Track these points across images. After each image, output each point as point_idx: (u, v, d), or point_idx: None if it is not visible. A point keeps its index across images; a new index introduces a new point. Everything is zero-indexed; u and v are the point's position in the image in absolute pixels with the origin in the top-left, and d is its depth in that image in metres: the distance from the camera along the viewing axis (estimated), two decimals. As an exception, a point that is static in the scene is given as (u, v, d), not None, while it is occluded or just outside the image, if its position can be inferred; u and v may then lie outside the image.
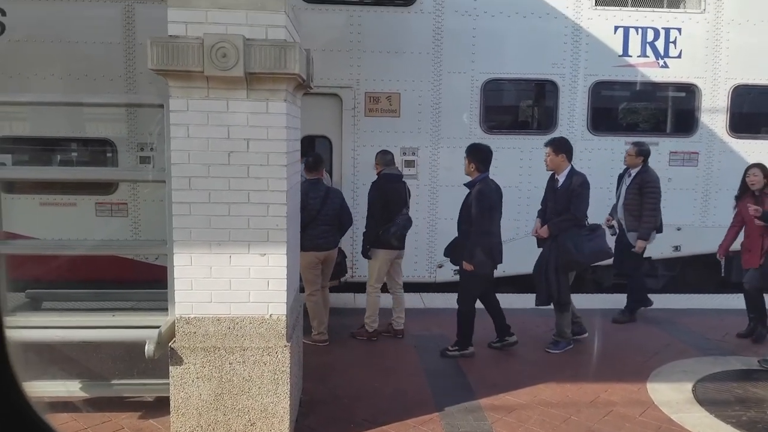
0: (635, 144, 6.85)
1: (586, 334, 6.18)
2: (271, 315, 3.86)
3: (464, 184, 5.71)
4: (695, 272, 8.40)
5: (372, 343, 6.10)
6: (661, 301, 7.39)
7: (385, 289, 6.29)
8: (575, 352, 5.90)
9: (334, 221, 5.97)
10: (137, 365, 4.15)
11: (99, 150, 7.62)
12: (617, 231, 6.81)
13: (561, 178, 5.83)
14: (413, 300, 7.28)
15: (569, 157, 5.85)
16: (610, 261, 6.65)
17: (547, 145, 5.94)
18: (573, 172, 5.81)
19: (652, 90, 8.33)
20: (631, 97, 8.64)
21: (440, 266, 6.55)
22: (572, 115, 7.95)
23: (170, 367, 3.79)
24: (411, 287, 7.49)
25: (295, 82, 3.92)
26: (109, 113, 7.48)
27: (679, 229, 8.00)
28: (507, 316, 5.95)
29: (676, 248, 8.19)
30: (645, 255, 6.99)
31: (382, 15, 7.73)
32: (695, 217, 8.16)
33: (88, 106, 7.22)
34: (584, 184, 5.74)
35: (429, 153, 7.92)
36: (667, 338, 6.35)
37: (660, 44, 7.84)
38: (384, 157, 6.23)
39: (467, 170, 5.65)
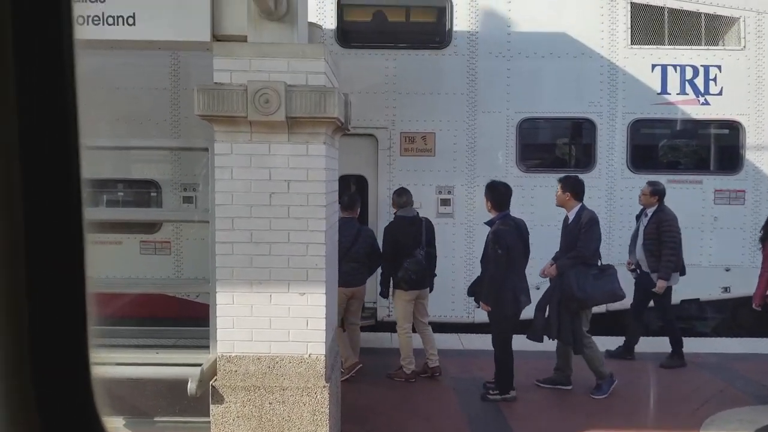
0: (650, 183, 6.82)
1: (570, 387, 5.95)
2: (309, 354, 3.93)
3: (485, 223, 5.76)
4: (748, 314, 8.15)
5: (410, 384, 6.09)
6: (712, 345, 7.17)
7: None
8: (623, 398, 5.75)
9: (363, 259, 6.09)
10: (179, 402, 4.25)
11: (144, 190, 7.95)
12: (638, 273, 6.71)
13: (570, 216, 5.85)
14: (451, 341, 7.25)
15: (576, 196, 5.84)
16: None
17: (558, 181, 6.01)
18: (582, 209, 5.80)
19: (694, 128, 8.28)
20: (671, 134, 8.60)
21: (478, 306, 6.54)
22: (611, 153, 7.95)
23: (211, 406, 3.88)
24: (449, 328, 7.47)
25: (334, 126, 4.09)
26: (155, 155, 7.82)
27: (728, 270, 7.82)
28: (546, 358, 5.87)
29: (726, 289, 7.97)
30: (692, 297, 6.84)
31: (417, 58, 7.96)
32: (745, 257, 7.95)
33: (139, 150, 7.58)
34: (592, 221, 5.71)
35: (465, 191, 8.00)
36: (720, 384, 6.14)
37: (700, 82, 7.84)
38: (399, 199, 6.28)
39: (487, 208, 5.69)
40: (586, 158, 8.21)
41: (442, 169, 8.01)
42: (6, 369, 0.59)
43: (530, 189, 7.78)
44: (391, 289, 6.13)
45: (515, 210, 7.49)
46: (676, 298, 7.44)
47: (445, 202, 8.00)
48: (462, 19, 7.83)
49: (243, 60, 3.82)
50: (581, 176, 6.49)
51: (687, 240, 6.97)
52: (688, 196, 7.75)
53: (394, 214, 6.30)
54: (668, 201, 6.87)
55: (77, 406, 0.67)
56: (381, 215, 7.96)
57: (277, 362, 3.92)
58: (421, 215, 6.36)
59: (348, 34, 7.97)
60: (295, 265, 3.96)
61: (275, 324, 3.93)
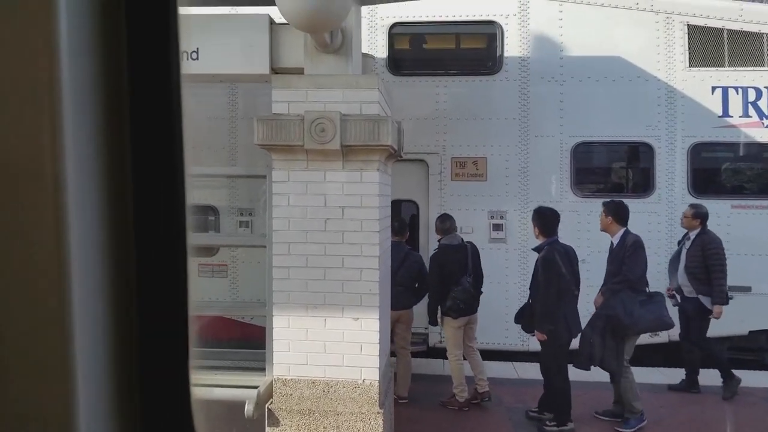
0: (692, 206, 6.63)
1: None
2: (363, 380, 4.00)
3: (533, 249, 5.74)
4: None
5: (464, 413, 6.04)
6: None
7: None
8: None
9: (410, 283, 6.16)
10: (235, 424, 4.37)
11: (202, 216, 8.27)
12: (679, 300, 6.48)
13: (615, 241, 5.75)
14: (506, 369, 7.17)
15: (619, 220, 5.73)
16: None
17: (602, 206, 5.96)
18: (626, 234, 5.69)
19: (759, 151, 8.02)
20: (734, 158, 8.34)
21: (531, 333, 6.46)
22: (671, 177, 7.78)
23: (267, 429, 3.98)
24: (503, 356, 7.38)
25: (387, 153, 4.20)
26: (214, 181, 8.14)
27: (799, 299, 7.46)
28: (602, 389, 5.73)
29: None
30: (762, 327, 6.56)
31: (468, 84, 8.05)
32: (818, 286, 7.58)
33: (201, 178, 7.92)
34: (636, 244, 5.57)
35: (517, 216, 7.96)
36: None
37: (763, 104, 7.61)
38: (442, 225, 6.28)
39: (534, 234, 5.69)
40: (645, 183, 8.06)
41: (494, 193, 8.01)
42: (116, 384, 0.67)
43: (586, 214, 7.68)
44: (439, 317, 6.15)
45: (570, 236, 7.42)
46: (743, 328, 7.14)
47: (498, 227, 7.98)
48: (513, 44, 7.90)
49: (300, 91, 4.00)
50: (640, 202, 6.39)
51: (754, 267, 6.72)
52: (754, 222, 7.48)
53: (438, 241, 6.32)
54: (733, 227, 6.67)
55: (178, 424, 0.74)
56: (432, 239, 7.99)
57: (331, 387, 4.00)
58: (466, 240, 6.36)
59: (399, 62, 8.15)
60: (349, 290, 4.06)
61: (330, 348, 4.02)
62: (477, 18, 7.97)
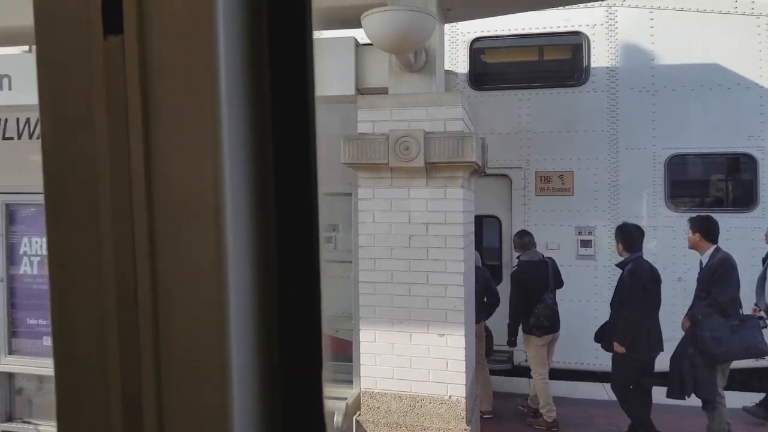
0: None
1: None
2: (450, 396, 4.04)
3: (616, 265, 5.61)
4: None
5: None
6: None
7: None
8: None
9: (477, 297, 6.13)
10: (323, 436, 4.52)
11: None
12: (767, 322, 6.01)
13: (704, 260, 5.40)
14: (596, 391, 6.97)
15: (707, 237, 5.37)
16: None
17: (688, 221, 5.66)
18: (716, 252, 5.32)
19: None
20: None
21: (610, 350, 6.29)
22: (776, 189, 7.33)
23: (353, 440, 4.10)
24: (594, 377, 7.18)
25: (471, 169, 4.26)
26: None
27: None
28: (680, 413, 5.46)
29: None
30: None
31: (553, 96, 7.97)
32: None
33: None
34: (725, 263, 5.18)
35: (607, 232, 7.74)
36: None
37: None
38: (521, 241, 6.24)
39: (618, 251, 5.56)
40: (747, 196, 7.63)
41: (582, 209, 7.84)
42: (261, 387, 0.78)
43: (681, 230, 7.36)
44: (520, 336, 6.09)
45: (665, 253, 7.15)
46: None
47: (586, 244, 7.79)
48: (600, 54, 7.76)
49: (385, 110, 4.14)
50: (742, 216, 6.07)
51: None
52: None
53: (518, 258, 6.27)
54: None
55: (313, 422, 0.83)
56: (515, 256, 7.93)
57: (418, 402, 4.07)
58: (546, 256, 6.28)
59: (480, 77, 8.19)
60: (434, 306, 4.13)
61: (415, 363, 4.10)
62: (561, 29, 7.89)
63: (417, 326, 4.14)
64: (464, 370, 4.05)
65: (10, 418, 5.14)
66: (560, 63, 8.53)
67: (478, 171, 4.54)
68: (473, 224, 4.95)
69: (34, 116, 7.79)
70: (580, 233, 7.83)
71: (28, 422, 5.15)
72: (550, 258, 6.29)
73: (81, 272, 0.71)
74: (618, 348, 5.33)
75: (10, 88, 5.23)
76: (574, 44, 8.04)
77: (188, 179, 0.66)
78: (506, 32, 8.00)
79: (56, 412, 0.75)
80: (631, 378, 5.36)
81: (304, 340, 0.81)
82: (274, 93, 0.74)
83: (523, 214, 7.99)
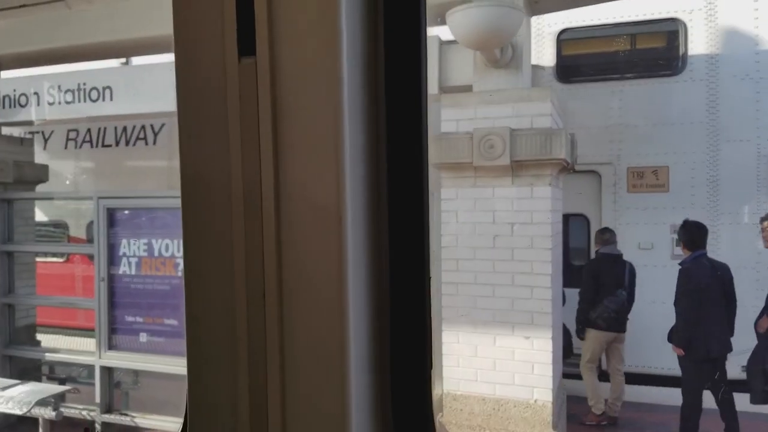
0: None
1: None
2: (536, 400, 4.01)
3: (678, 263, 5.51)
4: None
5: (602, 428, 5.85)
6: None
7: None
8: None
9: None
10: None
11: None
12: None
13: None
14: (675, 397, 6.68)
15: None
16: None
17: (763, 219, 5.33)
18: None
19: None
20: None
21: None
22: None
23: (438, 443, 4.14)
24: (676, 382, 6.88)
25: (560, 166, 4.20)
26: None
27: None
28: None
29: None
30: None
31: (646, 87, 7.67)
32: None
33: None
34: None
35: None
36: None
37: None
38: (601, 236, 6.23)
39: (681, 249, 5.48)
40: None
41: (678, 206, 7.51)
42: (376, 383, 0.84)
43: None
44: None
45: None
46: None
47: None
48: (698, 41, 7.40)
49: (469, 109, 4.16)
50: None
51: None
52: None
53: (596, 251, 6.20)
54: None
55: (422, 420, 0.89)
56: (594, 250, 7.72)
57: (501, 405, 4.06)
58: (625, 258, 6.21)
59: (568, 70, 8.01)
60: (519, 308, 4.11)
61: (499, 366, 4.10)
62: (655, 17, 7.60)
63: (501, 328, 4.13)
64: (551, 374, 4.00)
65: (109, 410, 5.54)
66: (654, 52, 8.20)
67: (567, 168, 4.47)
68: (561, 224, 4.88)
69: (131, 125, 8.34)
70: (676, 232, 7.51)
71: (126, 414, 5.54)
72: (630, 262, 6.24)
73: (214, 272, 0.80)
74: (676, 350, 5.25)
75: (111, 99, 5.63)
76: (669, 31, 7.70)
77: (313, 186, 0.73)
78: (596, 22, 7.79)
79: (188, 402, 0.85)
80: (697, 382, 5.20)
81: (413, 339, 0.87)
82: (389, 95, 0.80)
83: (613, 212, 7.75)
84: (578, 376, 6.50)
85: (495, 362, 4.14)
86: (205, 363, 0.82)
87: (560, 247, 4.95)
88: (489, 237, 4.18)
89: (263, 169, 0.74)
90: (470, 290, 4.21)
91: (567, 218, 7.92)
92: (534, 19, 7.57)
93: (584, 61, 8.29)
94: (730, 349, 5.24)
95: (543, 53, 7.91)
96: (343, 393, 0.76)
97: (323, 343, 0.76)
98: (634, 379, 6.50)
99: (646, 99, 7.68)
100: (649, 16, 7.62)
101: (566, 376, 6.35)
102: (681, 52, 7.50)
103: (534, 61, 7.51)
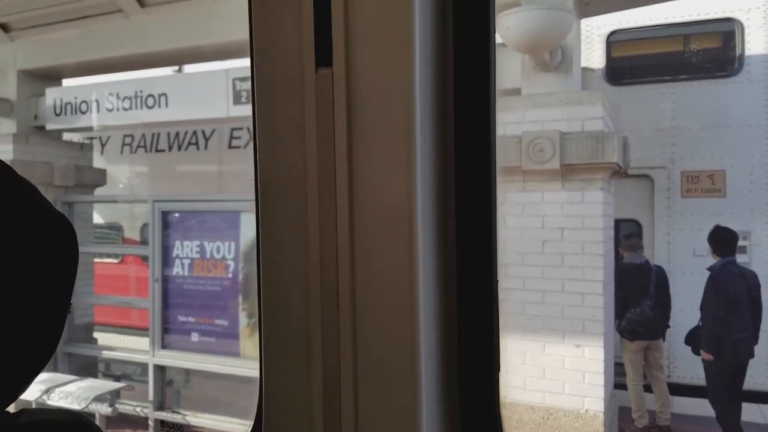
0: None
1: None
2: (587, 410, 3.96)
3: (706, 269, 5.39)
4: None
5: None
6: None
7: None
8: None
9: None
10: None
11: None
12: None
13: None
14: (751, 412, 6.45)
15: None
16: None
17: None
18: None
19: None
20: None
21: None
22: None
23: (485, 449, 4.12)
24: (750, 396, 6.66)
25: (612, 170, 4.14)
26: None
27: None
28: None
29: None
30: None
31: (700, 88, 7.47)
32: None
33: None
34: None
35: (765, 237, 7.14)
36: None
37: None
38: (627, 242, 6.12)
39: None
40: None
41: (735, 211, 7.28)
42: (444, 382, 0.86)
43: None
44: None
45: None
46: None
47: (740, 250, 7.23)
48: (756, 41, 7.18)
49: (517, 112, 4.15)
50: None
51: None
52: None
53: (621, 259, 6.07)
54: None
55: (489, 419, 0.91)
56: (660, 264, 7.53)
57: (551, 414, 4.02)
58: (654, 264, 6.08)
59: (618, 71, 7.87)
60: (569, 315, 4.06)
61: (549, 374, 4.06)
62: (710, 17, 7.40)
63: (551, 336, 4.09)
64: (603, 383, 3.95)
65: (161, 407, 5.71)
66: (709, 53, 7.99)
67: (619, 172, 4.41)
68: (612, 229, 4.80)
69: (183, 130, 8.60)
70: (732, 239, 7.28)
71: (177, 412, 5.70)
72: (658, 266, 6.12)
73: (289, 271, 0.84)
74: (704, 355, 5.16)
75: (166, 106, 5.83)
76: (725, 32, 7.49)
77: (385, 189, 0.77)
78: (647, 23, 7.64)
79: (262, 395, 0.89)
80: (727, 388, 5.08)
81: (481, 337, 0.89)
82: (457, 97, 0.83)
83: (666, 217, 7.57)
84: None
85: (544, 370, 4.10)
86: (279, 358, 0.87)
87: (612, 252, 4.88)
88: (538, 242, 4.15)
89: (338, 173, 0.78)
90: (519, 296, 4.19)
91: (618, 223, 7.78)
92: (583, 21, 7.48)
93: (635, 62, 8.13)
94: (752, 355, 5.17)
95: (592, 55, 7.80)
96: (414, 389, 0.79)
97: (394, 340, 0.79)
98: (687, 391, 6.33)
99: (700, 101, 7.48)
100: (703, 16, 7.43)
101: (618, 386, 6.25)
102: (738, 52, 7.29)
103: (583, 64, 7.42)
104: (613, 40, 7.84)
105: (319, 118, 0.79)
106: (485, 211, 0.85)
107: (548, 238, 4.13)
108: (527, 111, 4.15)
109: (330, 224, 0.80)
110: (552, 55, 4.07)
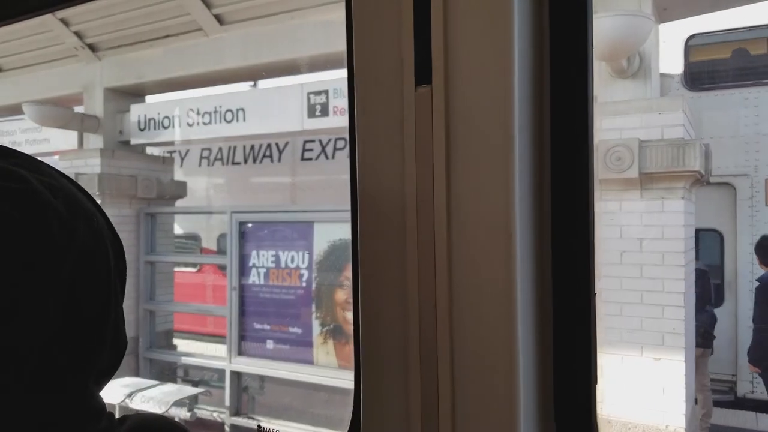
0: None
1: None
2: (666, 426, 3.81)
3: (756, 279, 5.26)
4: None
5: None
6: None
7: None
8: None
9: None
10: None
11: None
12: None
13: None
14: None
15: None
16: None
17: None
18: None
19: None
20: None
21: None
22: None
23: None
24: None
25: (693, 179, 4.00)
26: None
27: None
28: None
29: None
30: None
31: (788, 92, 7.10)
32: None
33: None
34: None
35: None
36: None
37: None
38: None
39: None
40: None
41: (825, 220, 6.87)
42: (540, 383, 0.87)
43: None
44: None
45: None
46: None
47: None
48: None
49: (594, 120, 4.05)
50: None
51: None
52: None
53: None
54: None
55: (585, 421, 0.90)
56: (742, 275, 7.17)
57: (629, 429, 3.90)
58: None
59: (698, 77, 7.59)
60: (648, 327, 3.93)
61: (627, 388, 3.94)
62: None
63: (629, 349, 3.97)
64: (684, 398, 3.79)
65: (237, 413, 5.88)
66: (797, 54, 7.59)
67: (701, 180, 4.24)
68: (693, 239, 4.62)
69: (257, 143, 8.88)
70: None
71: (252, 418, 5.85)
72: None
73: (387, 280, 0.87)
74: (752, 368, 5.10)
75: (244, 120, 6.05)
76: (817, 30, 7.11)
77: (483, 202, 0.79)
78: (729, 26, 7.33)
79: (360, 400, 0.92)
80: None
81: (578, 352, 0.89)
82: (553, 109, 0.84)
83: (750, 227, 7.21)
84: (718, 404, 6.09)
85: (622, 383, 3.98)
86: (377, 371, 0.89)
87: (693, 264, 4.69)
88: (615, 253, 4.04)
89: (436, 187, 0.80)
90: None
91: (697, 234, 7.45)
92: (661, 26, 7.26)
93: (715, 67, 7.81)
94: None
95: (670, 61, 7.55)
96: (512, 401, 0.80)
97: (492, 352, 0.80)
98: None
99: (788, 105, 7.12)
100: (790, 17, 7.07)
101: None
102: (828, 53, 6.89)
103: (661, 70, 7.19)
104: (691, 44, 7.57)
105: (418, 135, 0.81)
106: (582, 222, 0.85)
107: (626, 249, 4.02)
108: (604, 119, 4.07)
109: (428, 237, 0.82)
110: (629, 61, 3.97)
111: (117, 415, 0.66)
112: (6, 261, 0.51)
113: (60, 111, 6.60)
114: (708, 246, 7.38)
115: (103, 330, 0.60)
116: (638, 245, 3.98)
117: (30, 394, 0.54)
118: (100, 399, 0.63)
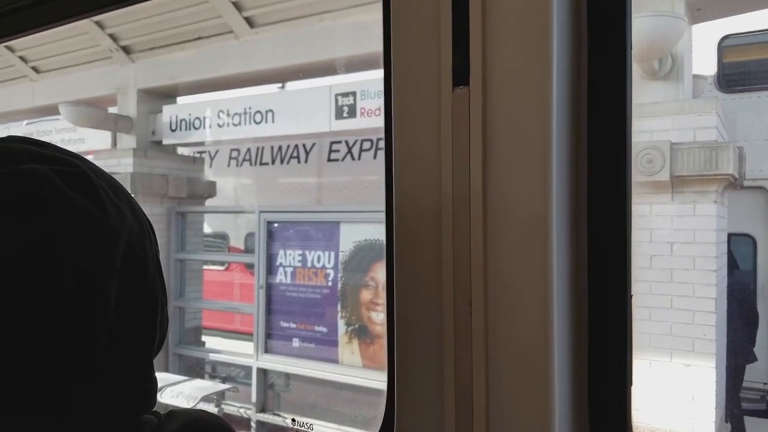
0: None
1: None
2: (696, 433, 3.75)
3: None
4: None
5: None
6: None
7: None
8: None
9: None
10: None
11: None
12: None
13: None
14: None
15: None
16: None
17: None
18: None
19: None
20: None
21: None
22: None
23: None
24: None
25: (726, 182, 3.92)
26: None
27: None
28: None
29: None
30: None
31: (826, 93, 6.93)
32: None
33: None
34: None
35: None
36: None
37: None
38: None
39: None
40: None
41: None
42: (576, 384, 0.86)
43: None
44: None
45: None
46: None
47: None
48: None
49: (624, 122, 4.01)
50: None
51: None
52: None
53: None
54: None
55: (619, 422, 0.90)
56: (774, 282, 7.01)
57: (658, 436, 3.84)
58: None
59: (731, 77, 7.44)
60: (678, 333, 3.87)
61: (654, 394, 3.88)
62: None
63: (658, 354, 3.91)
64: (714, 406, 3.72)
65: (263, 409, 5.93)
66: (835, 55, 7.40)
67: (734, 184, 4.16)
68: (726, 244, 4.53)
69: (285, 144, 8.95)
70: None
71: (278, 414, 5.90)
72: None
73: (422, 280, 0.87)
74: None
75: (273, 121, 6.11)
76: None
77: (520, 202, 0.79)
78: (762, 26, 7.18)
79: (394, 397, 0.92)
80: None
81: (613, 354, 0.89)
82: (591, 110, 0.84)
83: (786, 233, 7.05)
84: (749, 413, 5.97)
85: (649, 389, 3.92)
86: (411, 370, 0.89)
87: (725, 269, 4.60)
88: (645, 257, 3.99)
89: (472, 188, 0.80)
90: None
91: (730, 238, 7.30)
92: (694, 27, 7.13)
93: (750, 68, 7.66)
94: None
95: (703, 62, 7.41)
96: (546, 402, 0.79)
97: (527, 354, 0.80)
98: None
99: (824, 108, 6.94)
100: (829, 16, 6.89)
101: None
102: None
103: (694, 71, 7.07)
104: (725, 45, 7.43)
105: (455, 136, 0.82)
106: (619, 224, 0.85)
107: (656, 253, 3.96)
108: (635, 121, 3.99)
109: (464, 236, 0.82)
110: (661, 62, 3.91)
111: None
112: (78, 243, 0.51)
113: (94, 111, 6.74)
114: (740, 251, 7.24)
115: (156, 311, 0.60)
116: (669, 249, 3.92)
117: (99, 378, 0.54)
118: (154, 379, 0.64)
